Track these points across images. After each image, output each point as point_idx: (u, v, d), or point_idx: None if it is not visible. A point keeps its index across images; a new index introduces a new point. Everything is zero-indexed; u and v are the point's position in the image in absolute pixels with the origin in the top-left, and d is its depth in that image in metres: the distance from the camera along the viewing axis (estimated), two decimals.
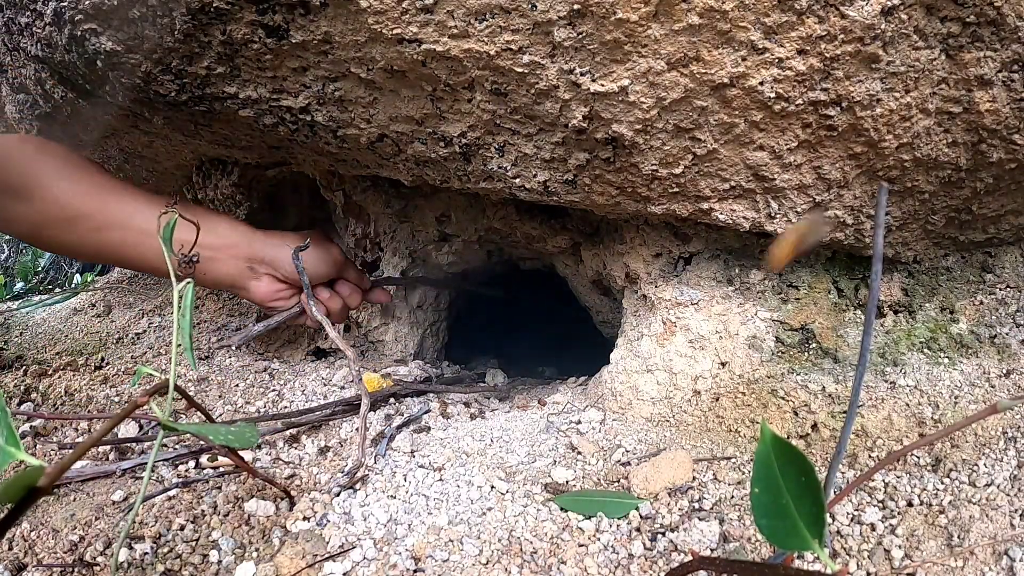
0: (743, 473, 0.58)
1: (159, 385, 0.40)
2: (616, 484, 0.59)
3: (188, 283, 0.48)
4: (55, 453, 0.67)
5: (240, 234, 0.79)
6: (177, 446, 0.65)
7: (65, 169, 0.71)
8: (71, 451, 0.51)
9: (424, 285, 1.09)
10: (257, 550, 0.50)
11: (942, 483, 0.51)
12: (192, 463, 0.63)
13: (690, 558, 0.37)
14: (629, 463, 0.62)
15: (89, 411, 0.78)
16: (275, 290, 0.82)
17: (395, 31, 0.48)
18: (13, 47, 0.67)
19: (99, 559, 0.49)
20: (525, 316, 1.47)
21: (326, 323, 0.74)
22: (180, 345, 0.46)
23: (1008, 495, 0.48)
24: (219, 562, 0.49)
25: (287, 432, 0.70)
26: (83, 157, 0.77)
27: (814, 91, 0.48)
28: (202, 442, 0.64)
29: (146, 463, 0.62)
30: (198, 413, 0.50)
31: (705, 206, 0.59)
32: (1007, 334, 0.60)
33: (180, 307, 0.47)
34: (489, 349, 1.33)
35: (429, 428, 0.74)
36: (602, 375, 0.78)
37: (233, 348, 0.77)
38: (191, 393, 0.84)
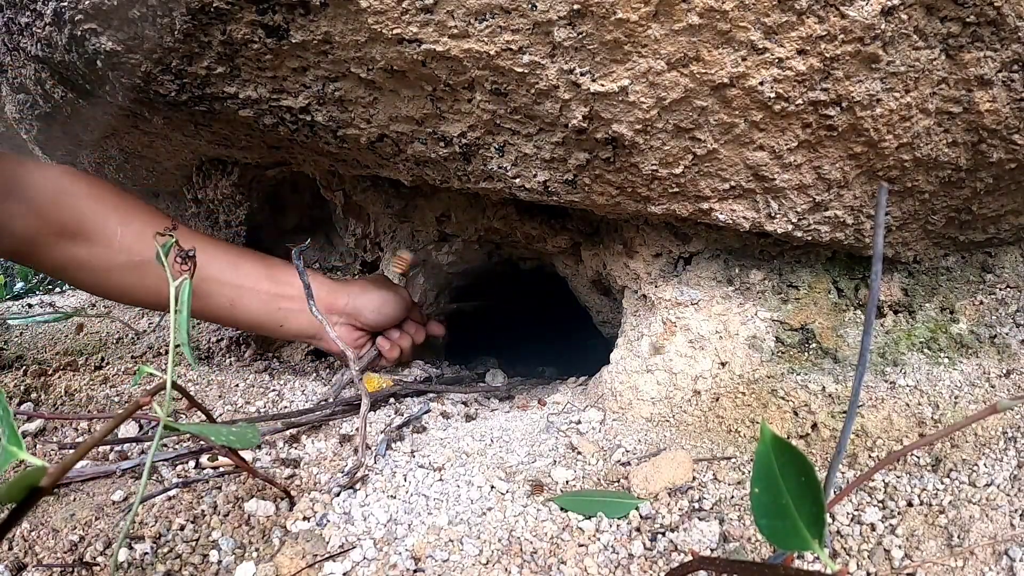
0: (743, 473, 0.58)
1: (160, 385, 0.40)
2: (616, 484, 0.59)
3: (185, 279, 0.48)
4: (55, 453, 0.67)
5: (320, 285, 0.83)
6: (177, 446, 0.65)
7: (126, 211, 0.71)
8: (72, 451, 0.51)
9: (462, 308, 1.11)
10: (257, 550, 0.50)
11: (942, 483, 0.51)
12: (192, 463, 0.63)
13: (690, 558, 0.37)
14: (629, 463, 0.62)
15: (89, 411, 0.78)
16: (353, 338, 0.87)
17: (395, 31, 0.48)
18: (13, 47, 0.68)
19: (99, 559, 0.49)
20: (525, 316, 1.47)
21: (325, 323, 0.74)
22: (178, 343, 0.46)
23: (1008, 495, 0.48)
24: (219, 562, 0.49)
25: (287, 432, 0.70)
26: (135, 196, 0.78)
27: (814, 91, 0.48)
28: (202, 442, 0.64)
29: (148, 459, 0.62)
30: (199, 413, 0.50)
31: (705, 206, 0.59)
32: (1007, 334, 0.61)
33: (177, 304, 0.47)
34: (489, 349, 1.33)
35: (429, 428, 0.74)
36: (602, 375, 0.78)
37: (331, 400, 0.81)
38: (192, 393, 0.84)
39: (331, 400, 0.80)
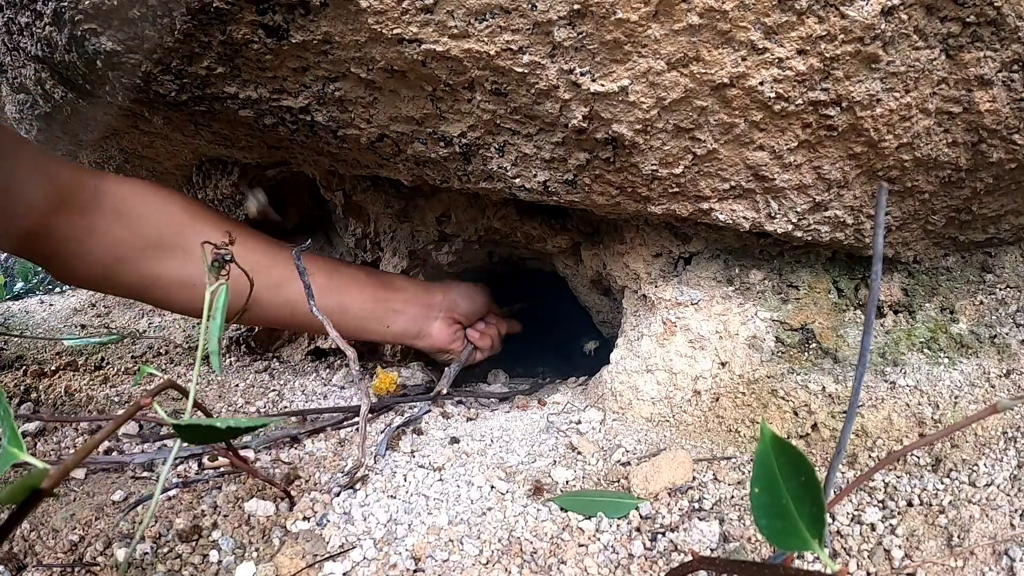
0: (743, 473, 0.58)
1: (162, 386, 0.40)
2: (616, 484, 0.59)
3: (221, 284, 0.48)
4: (56, 453, 0.67)
5: (415, 284, 0.88)
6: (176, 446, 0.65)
7: (220, 222, 0.69)
8: (73, 452, 0.50)
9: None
10: (257, 550, 0.50)
11: (942, 483, 0.51)
12: (193, 463, 0.63)
13: (690, 558, 0.37)
14: (629, 463, 0.62)
15: (89, 411, 0.78)
16: (452, 332, 0.89)
17: (395, 31, 0.48)
18: (13, 47, 0.67)
19: (99, 559, 0.49)
20: (525, 316, 1.47)
21: (326, 322, 0.74)
22: (207, 348, 0.46)
23: (1008, 495, 0.48)
24: (219, 562, 0.49)
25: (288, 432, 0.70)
26: (220, 212, 0.77)
27: (814, 91, 0.48)
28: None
29: (155, 459, 0.62)
30: (199, 413, 0.49)
31: (705, 206, 0.59)
32: (1007, 334, 0.61)
33: (211, 309, 0.46)
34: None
35: (429, 428, 0.74)
36: (602, 375, 0.78)
37: (444, 392, 0.84)
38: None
39: (444, 392, 0.82)
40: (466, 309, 0.90)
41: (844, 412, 0.60)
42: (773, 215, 0.59)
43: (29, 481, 0.25)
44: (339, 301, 0.77)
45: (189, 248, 0.66)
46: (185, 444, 0.63)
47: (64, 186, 0.60)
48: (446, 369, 0.91)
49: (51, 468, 0.25)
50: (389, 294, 0.82)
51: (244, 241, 0.69)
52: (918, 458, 0.55)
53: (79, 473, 0.61)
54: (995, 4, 0.43)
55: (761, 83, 0.47)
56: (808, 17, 0.44)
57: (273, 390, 0.87)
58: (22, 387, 0.83)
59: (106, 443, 0.67)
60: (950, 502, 0.49)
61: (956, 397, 0.58)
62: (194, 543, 0.51)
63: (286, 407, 0.81)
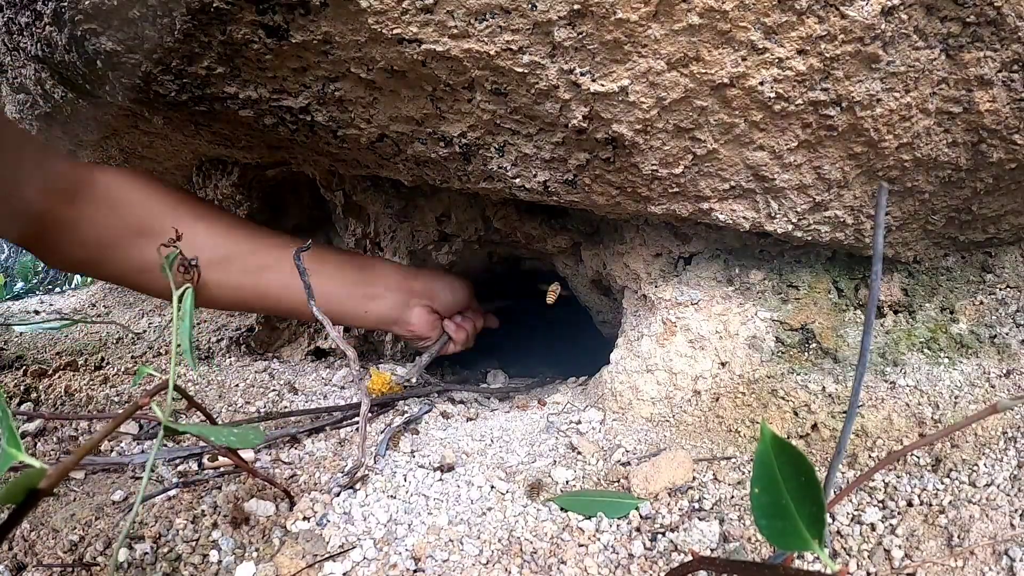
0: (743, 473, 0.58)
1: (160, 386, 0.40)
2: (616, 484, 0.59)
3: (187, 288, 0.48)
4: (56, 453, 0.67)
5: (397, 270, 0.86)
6: (178, 447, 0.65)
7: (205, 210, 0.70)
8: (72, 452, 0.51)
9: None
10: (257, 550, 0.50)
11: (942, 483, 0.51)
12: (194, 463, 0.63)
13: (690, 558, 0.37)
14: (629, 463, 0.62)
15: (89, 411, 0.78)
16: (430, 321, 0.88)
17: (395, 31, 0.48)
18: (13, 47, 0.67)
19: (99, 559, 0.49)
20: (525, 316, 1.47)
21: (326, 322, 0.74)
22: (180, 346, 0.46)
23: (1008, 495, 0.48)
24: (219, 562, 0.49)
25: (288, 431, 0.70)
26: (203, 199, 0.77)
27: (814, 91, 0.48)
28: (202, 443, 0.64)
29: (155, 459, 0.62)
30: (198, 413, 0.50)
31: (705, 206, 0.59)
32: (1007, 334, 0.61)
33: (180, 311, 0.46)
34: (489, 349, 1.33)
35: (429, 428, 0.74)
36: (602, 375, 0.78)
37: (414, 381, 0.85)
38: (191, 393, 0.84)
39: (414, 380, 0.82)
40: (446, 300, 0.89)
41: (844, 412, 0.60)
42: (773, 215, 0.58)
43: (27, 481, 0.25)
44: (317, 285, 0.75)
45: (170, 235, 0.67)
46: (168, 445, 0.63)
47: (61, 177, 0.62)
48: (418, 358, 0.90)
49: (49, 468, 0.25)
50: (369, 278, 0.81)
51: (228, 229, 0.71)
52: (918, 458, 0.55)
53: (79, 473, 0.61)
54: (995, 4, 0.43)
55: (761, 83, 0.47)
56: (808, 17, 0.44)
57: (273, 390, 0.87)
58: (22, 387, 0.83)
59: (106, 443, 0.67)
60: (950, 502, 0.49)
61: (956, 397, 0.58)
62: (194, 543, 0.51)
63: (286, 407, 0.81)
